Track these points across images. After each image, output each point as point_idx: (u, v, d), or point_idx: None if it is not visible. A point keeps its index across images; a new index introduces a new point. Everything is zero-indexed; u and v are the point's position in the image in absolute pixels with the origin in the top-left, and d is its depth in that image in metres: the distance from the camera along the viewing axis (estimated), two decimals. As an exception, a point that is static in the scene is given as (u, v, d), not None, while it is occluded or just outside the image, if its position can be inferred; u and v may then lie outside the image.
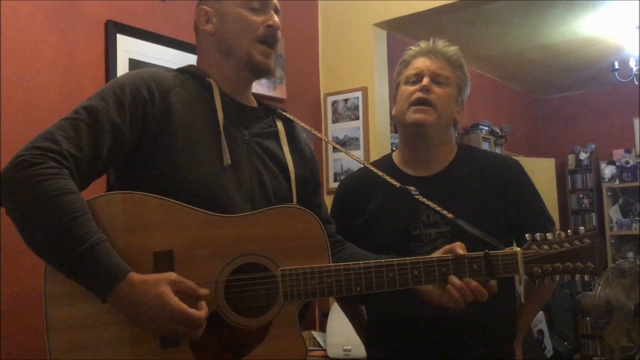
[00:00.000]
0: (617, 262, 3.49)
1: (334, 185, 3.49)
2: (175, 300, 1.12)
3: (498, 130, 6.20)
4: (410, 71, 1.71)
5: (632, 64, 5.60)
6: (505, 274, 1.32)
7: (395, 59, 1.84)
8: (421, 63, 1.70)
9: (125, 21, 2.56)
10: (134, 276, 1.12)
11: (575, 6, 4.71)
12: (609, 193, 7.07)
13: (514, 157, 1.87)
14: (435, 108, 1.65)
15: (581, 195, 7.42)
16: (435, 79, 1.67)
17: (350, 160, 3.43)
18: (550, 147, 7.72)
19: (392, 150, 2.10)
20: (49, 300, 1.15)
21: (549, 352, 4.35)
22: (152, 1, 2.69)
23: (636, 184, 6.80)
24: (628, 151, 7.02)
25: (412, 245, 1.61)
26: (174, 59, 2.67)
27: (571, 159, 7.49)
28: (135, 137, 1.27)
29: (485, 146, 5.67)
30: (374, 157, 3.16)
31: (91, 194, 1.19)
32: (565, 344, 4.69)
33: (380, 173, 1.64)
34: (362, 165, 1.75)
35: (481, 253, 1.32)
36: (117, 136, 1.24)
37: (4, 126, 2.13)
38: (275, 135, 1.46)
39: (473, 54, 5.74)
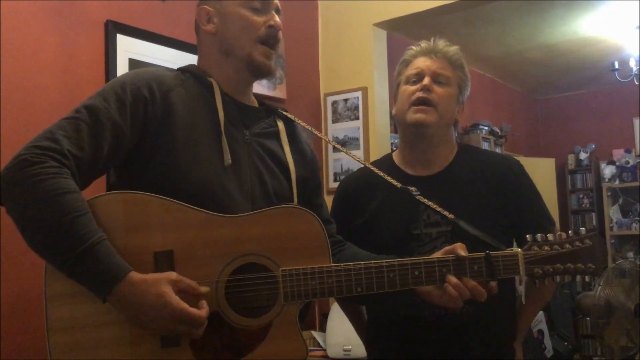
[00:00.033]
0: (617, 262, 3.49)
1: (334, 185, 3.49)
2: (176, 300, 1.12)
3: (498, 130, 6.21)
4: (411, 71, 1.70)
5: (632, 64, 5.60)
6: (506, 274, 1.32)
7: (395, 59, 1.84)
8: (422, 63, 1.69)
9: (125, 21, 2.56)
10: (135, 276, 1.12)
11: (575, 6, 4.71)
12: (609, 193, 7.07)
13: (514, 157, 1.87)
14: (436, 108, 1.65)
15: (581, 195, 7.43)
16: (436, 78, 1.67)
17: (350, 160, 3.43)
18: (550, 147, 7.72)
19: (392, 150, 2.10)
20: (49, 300, 1.15)
21: (549, 352, 4.35)
22: (152, 1, 2.69)
23: (636, 184, 6.80)
24: (628, 151, 7.02)
25: (412, 245, 1.61)
26: (174, 59, 2.67)
27: (571, 159, 7.50)
28: (135, 136, 1.27)
29: (485, 146, 5.68)
30: (374, 157, 3.16)
31: (91, 194, 1.19)
32: (565, 344, 4.69)
33: (380, 173, 1.64)
34: (362, 165, 1.75)
35: (482, 254, 1.31)
36: (117, 135, 1.24)
37: (4, 126, 2.13)
38: (276, 135, 1.46)
39: (473, 54, 5.74)
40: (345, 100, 3.56)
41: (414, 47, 1.75)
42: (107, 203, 1.18)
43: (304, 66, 3.58)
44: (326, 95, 3.65)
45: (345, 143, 3.52)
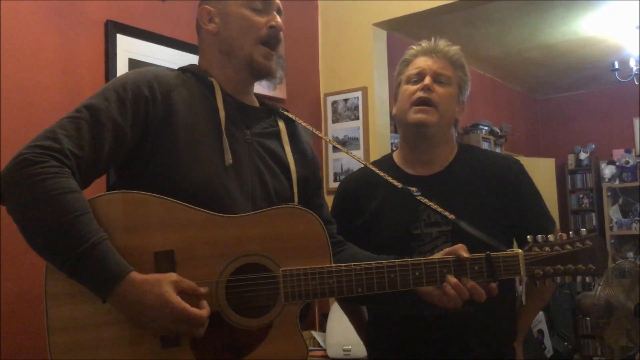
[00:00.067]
0: (617, 262, 3.49)
1: (334, 185, 3.49)
2: (176, 300, 1.12)
3: (498, 130, 6.20)
4: (411, 70, 1.70)
5: (632, 64, 5.60)
6: (507, 275, 1.32)
7: (395, 59, 1.83)
8: (423, 62, 1.69)
9: (125, 21, 2.55)
10: (135, 276, 1.12)
11: (575, 6, 4.71)
12: (609, 193, 7.07)
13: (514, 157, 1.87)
14: (437, 108, 1.64)
15: (581, 195, 7.42)
16: (436, 78, 1.67)
17: (350, 160, 3.43)
18: (550, 147, 7.72)
19: (392, 150, 2.10)
20: (49, 300, 1.15)
21: (549, 352, 4.35)
22: (152, 1, 2.69)
23: (636, 184, 6.80)
24: (628, 151, 7.02)
25: (413, 245, 1.61)
26: (174, 59, 2.67)
27: (571, 159, 7.49)
28: (136, 136, 1.27)
29: (485, 146, 5.67)
30: (374, 157, 3.16)
31: (91, 194, 1.19)
32: (565, 344, 4.70)
33: (381, 173, 1.64)
34: (363, 165, 1.75)
35: (482, 255, 1.31)
36: (118, 135, 1.24)
37: (4, 126, 2.13)
38: (277, 135, 1.46)
39: (473, 54, 5.74)
40: (345, 100, 3.56)
41: (414, 47, 1.75)
42: (107, 203, 1.18)
43: (304, 66, 3.58)
44: (326, 95, 3.65)
45: (345, 143, 3.52)
